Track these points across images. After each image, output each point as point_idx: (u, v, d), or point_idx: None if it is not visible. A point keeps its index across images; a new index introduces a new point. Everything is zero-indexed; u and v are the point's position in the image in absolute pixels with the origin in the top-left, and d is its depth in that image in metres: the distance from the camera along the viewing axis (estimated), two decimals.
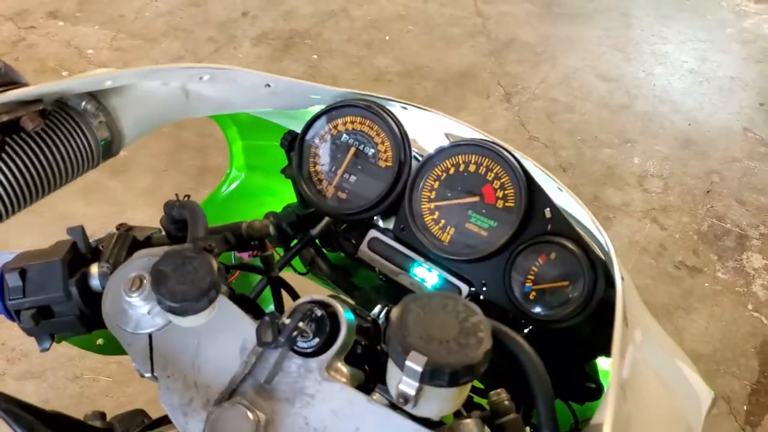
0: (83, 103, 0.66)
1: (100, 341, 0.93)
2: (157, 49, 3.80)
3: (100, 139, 0.68)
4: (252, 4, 4.26)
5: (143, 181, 2.94)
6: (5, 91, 0.60)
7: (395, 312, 0.57)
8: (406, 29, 4.18)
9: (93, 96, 0.68)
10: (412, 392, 0.54)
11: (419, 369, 0.53)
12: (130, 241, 0.75)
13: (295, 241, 0.98)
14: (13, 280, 0.71)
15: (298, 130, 0.93)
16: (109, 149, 0.70)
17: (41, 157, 0.63)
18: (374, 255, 0.82)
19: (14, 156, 0.62)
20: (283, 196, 1.20)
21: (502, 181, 0.78)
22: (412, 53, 3.97)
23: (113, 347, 0.95)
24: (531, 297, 0.77)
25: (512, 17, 4.38)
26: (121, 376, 2.15)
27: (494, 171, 0.79)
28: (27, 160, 0.62)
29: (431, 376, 0.53)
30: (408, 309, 0.57)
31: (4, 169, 0.61)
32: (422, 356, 0.53)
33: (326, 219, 0.91)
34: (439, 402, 0.57)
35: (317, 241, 1.00)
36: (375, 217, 0.87)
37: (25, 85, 0.63)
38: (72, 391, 2.12)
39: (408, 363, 0.53)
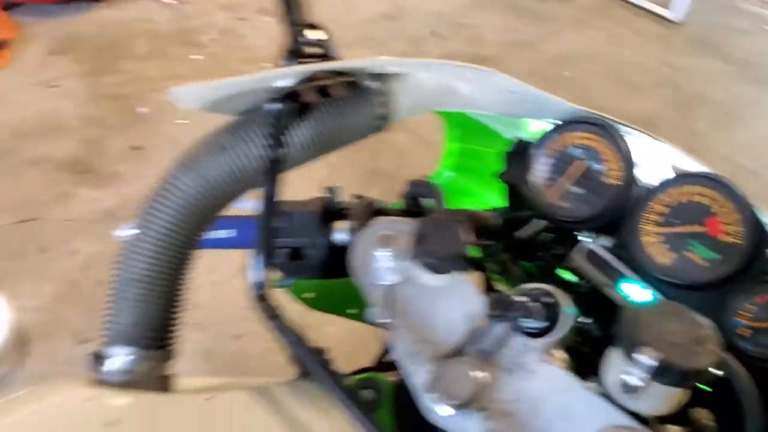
0: (371, 82, 0.77)
1: (311, 294, 1.04)
2: (348, 54, 4.05)
3: (377, 116, 0.78)
4: (441, 25, 4.44)
5: (318, 173, 3.14)
6: (327, 60, 0.73)
7: (629, 312, 0.62)
8: (590, 69, 4.15)
9: (379, 77, 0.78)
10: (641, 384, 0.58)
11: (653, 364, 0.57)
12: (373, 208, 0.86)
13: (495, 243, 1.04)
14: (282, 221, 0.84)
15: (512, 136, 1.00)
16: (380, 126, 0.81)
17: (335, 122, 0.75)
18: (587, 264, 0.86)
19: (318, 116, 0.74)
20: (480, 200, 1.27)
21: (731, 217, 0.79)
22: (592, 93, 3.93)
23: (319, 303, 1.06)
24: (741, 332, 0.77)
25: (704, 73, 4.21)
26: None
27: (723, 206, 0.80)
28: (326, 122, 0.74)
29: (662, 373, 0.57)
30: (642, 311, 0.62)
31: (309, 125, 0.73)
32: (657, 352, 0.57)
33: (536, 223, 0.96)
34: (659, 400, 0.60)
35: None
36: (585, 231, 0.91)
37: (338, 58, 0.75)
38: (234, 347, 2.33)
39: (642, 357, 0.58)
